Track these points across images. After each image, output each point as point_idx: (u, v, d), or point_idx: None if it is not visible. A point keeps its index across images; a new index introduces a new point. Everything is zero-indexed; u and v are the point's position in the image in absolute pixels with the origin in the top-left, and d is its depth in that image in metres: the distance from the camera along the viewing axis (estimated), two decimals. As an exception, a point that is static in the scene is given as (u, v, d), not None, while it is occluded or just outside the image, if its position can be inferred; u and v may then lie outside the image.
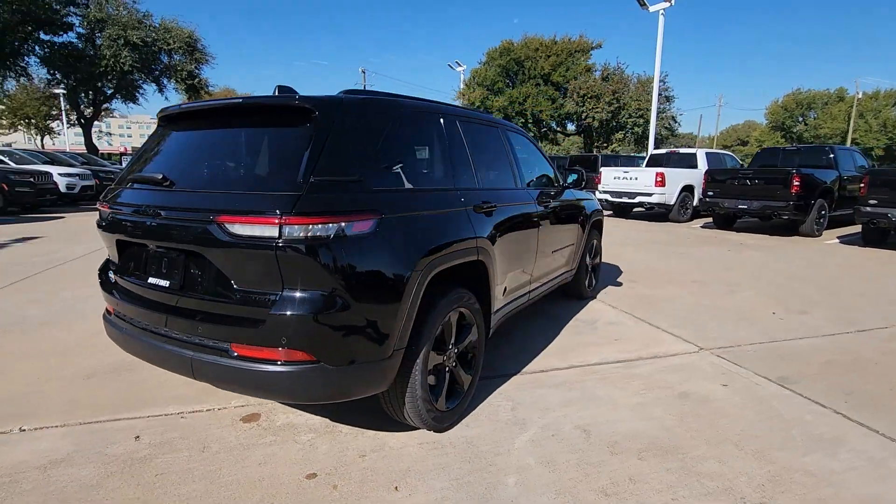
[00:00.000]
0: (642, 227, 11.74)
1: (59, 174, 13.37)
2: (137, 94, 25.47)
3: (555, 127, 34.07)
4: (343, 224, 1.85)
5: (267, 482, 2.04)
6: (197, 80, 22.34)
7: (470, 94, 30.70)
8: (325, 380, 1.88)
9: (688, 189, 12.72)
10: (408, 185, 2.24)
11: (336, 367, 1.88)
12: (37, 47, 22.04)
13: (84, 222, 10.52)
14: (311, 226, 1.78)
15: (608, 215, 13.96)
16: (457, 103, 32.05)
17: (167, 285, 2.05)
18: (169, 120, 2.44)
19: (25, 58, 22.06)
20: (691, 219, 12.98)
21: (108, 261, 2.56)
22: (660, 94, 28.44)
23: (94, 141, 27.45)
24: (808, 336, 3.98)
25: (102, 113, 29.36)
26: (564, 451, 2.32)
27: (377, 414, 2.48)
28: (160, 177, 2.08)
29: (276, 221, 1.74)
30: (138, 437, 2.35)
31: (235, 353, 1.88)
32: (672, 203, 12.53)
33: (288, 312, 1.79)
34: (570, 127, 33.82)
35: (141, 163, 2.38)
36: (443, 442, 2.37)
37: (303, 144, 1.91)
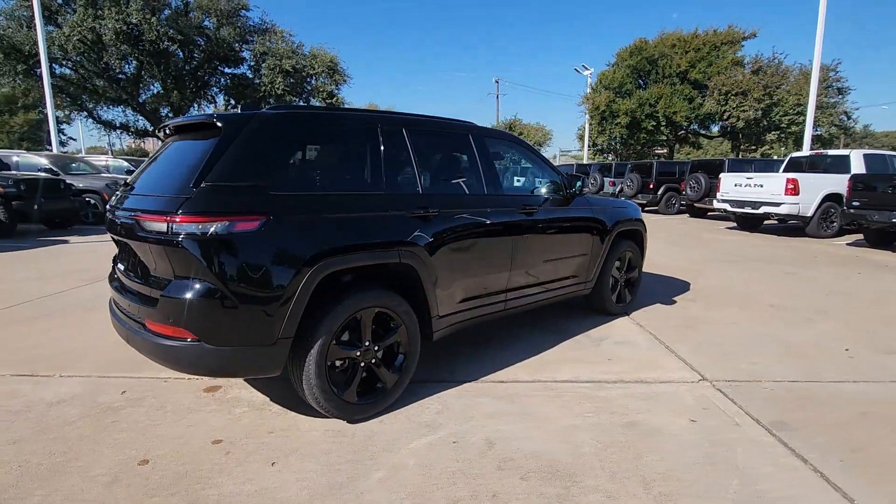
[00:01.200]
0: (759, 241, 10.16)
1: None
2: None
3: (697, 129, 30.87)
4: (226, 223, 2.14)
5: (181, 440, 2.42)
6: (335, 98, 25.18)
7: (595, 97, 29.41)
8: (206, 357, 2.19)
9: (834, 198, 10.64)
10: (314, 190, 2.46)
11: (216, 347, 2.18)
12: (222, 79, 26.98)
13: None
14: (193, 224, 2.10)
15: (731, 227, 12.36)
16: (581, 108, 30.98)
17: (122, 270, 2.56)
18: (164, 135, 3.00)
19: (212, 88, 27.08)
20: (838, 234, 10.83)
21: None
22: (828, 86, 24.09)
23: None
24: (868, 381, 3.21)
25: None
26: (452, 459, 2.30)
27: (302, 398, 2.73)
28: (126, 182, 2.61)
29: (165, 220, 2.11)
30: (124, 391, 2.93)
31: (149, 328, 2.29)
32: (809, 215, 10.61)
33: (172, 295, 2.14)
34: (715, 129, 30.33)
35: (136, 172, 2.98)
36: (347, 432, 2.53)
37: (204, 155, 2.25)
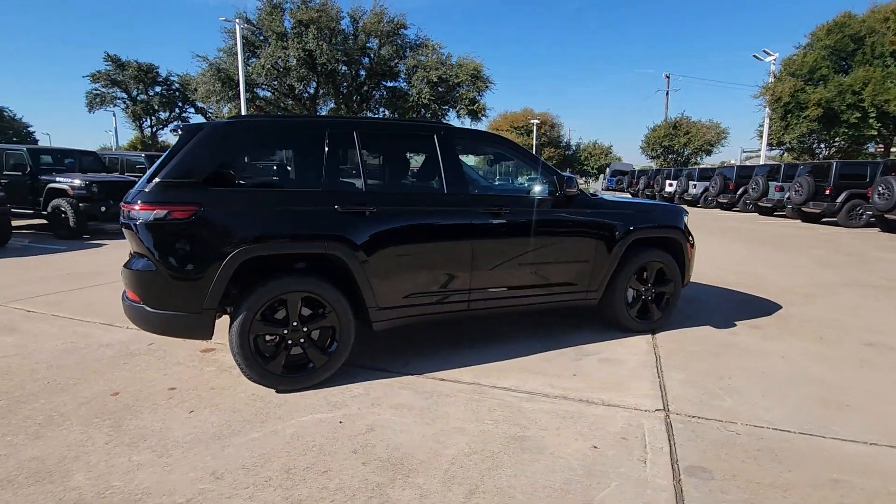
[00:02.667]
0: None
1: None
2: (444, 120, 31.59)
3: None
4: (165, 212, 2.69)
5: (151, 383, 3.06)
6: (476, 105, 26.08)
7: (777, 87, 25.02)
8: (150, 317, 2.77)
9: None
10: (247, 187, 2.87)
11: (153, 310, 2.74)
12: (383, 93, 30.09)
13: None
14: (143, 212, 2.69)
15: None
16: (758, 102, 26.69)
17: (131, 249, 3.33)
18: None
19: (374, 101, 30.35)
20: None
21: None
22: None
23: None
24: (872, 443, 2.41)
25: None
26: (323, 435, 2.50)
27: (250, 366, 3.17)
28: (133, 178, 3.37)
29: (127, 208, 2.73)
30: (151, 343, 3.75)
31: (126, 294, 2.96)
32: None
33: (131, 268, 2.77)
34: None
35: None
36: (265, 398, 2.89)
37: (167, 157, 2.83)
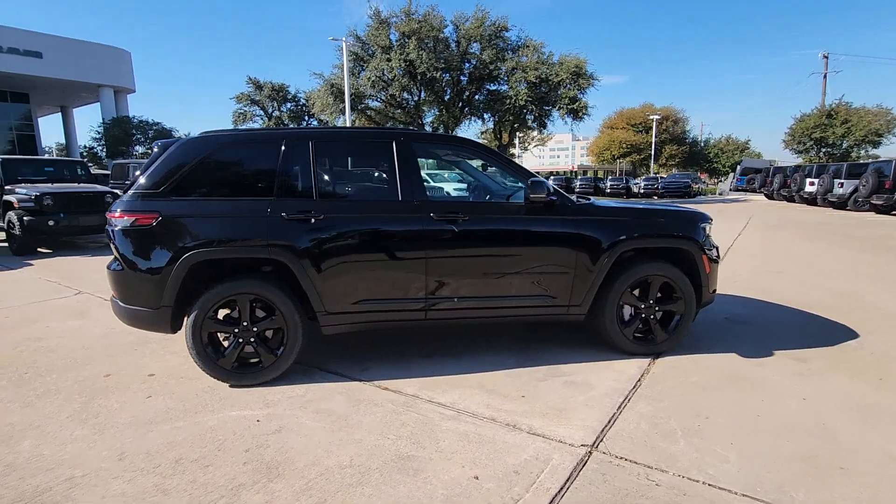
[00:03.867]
0: None
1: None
2: (546, 121, 30.82)
3: None
4: (132, 219, 3.06)
5: (137, 369, 3.49)
6: (577, 103, 24.89)
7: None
8: (121, 311, 3.17)
9: None
10: (200, 197, 3.14)
11: (125, 305, 3.13)
12: (485, 96, 30.26)
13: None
14: (118, 219, 3.10)
15: None
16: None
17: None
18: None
19: (476, 105, 30.63)
20: None
21: None
22: None
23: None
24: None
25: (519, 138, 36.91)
26: (229, 430, 2.64)
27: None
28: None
29: (110, 216, 3.17)
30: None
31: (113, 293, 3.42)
32: None
33: (109, 268, 3.20)
34: None
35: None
36: (213, 391, 3.12)
37: (143, 170, 3.22)
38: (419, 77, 24.88)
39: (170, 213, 3.08)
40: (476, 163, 4.64)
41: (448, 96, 28.33)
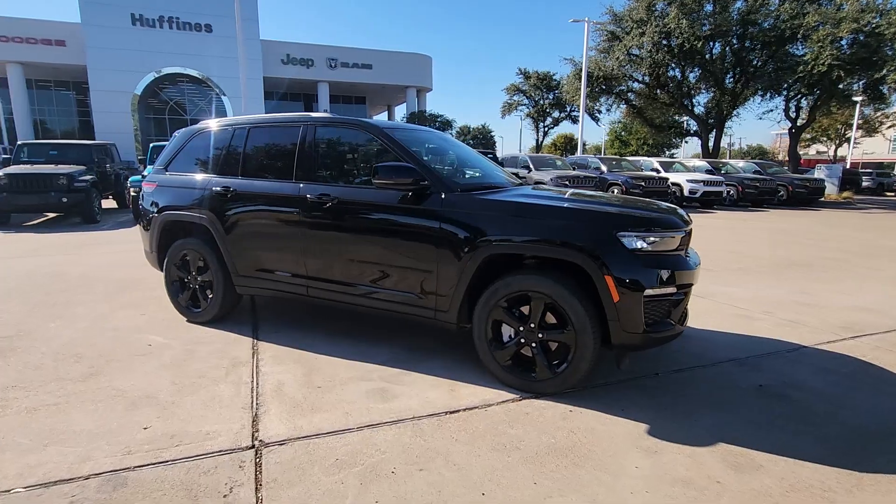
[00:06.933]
0: None
1: (687, 180, 16.33)
2: (882, 90, 22.35)
3: None
4: (148, 187, 4.31)
5: (133, 340, 4.69)
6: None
7: None
8: (145, 255, 4.50)
9: None
10: (180, 172, 4.11)
11: (146, 251, 4.44)
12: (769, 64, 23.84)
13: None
14: (140, 187, 4.42)
15: None
16: None
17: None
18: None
19: (756, 74, 24.44)
20: None
21: None
22: None
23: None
24: None
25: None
26: (157, 364, 3.55)
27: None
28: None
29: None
30: (230, 277, 5.62)
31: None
32: None
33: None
34: None
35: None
36: (173, 333, 4.13)
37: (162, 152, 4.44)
38: (676, 50, 21.69)
39: (161, 182, 4.20)
40: (462, 149, 4.33)
41: (718, 69, 23.72)
